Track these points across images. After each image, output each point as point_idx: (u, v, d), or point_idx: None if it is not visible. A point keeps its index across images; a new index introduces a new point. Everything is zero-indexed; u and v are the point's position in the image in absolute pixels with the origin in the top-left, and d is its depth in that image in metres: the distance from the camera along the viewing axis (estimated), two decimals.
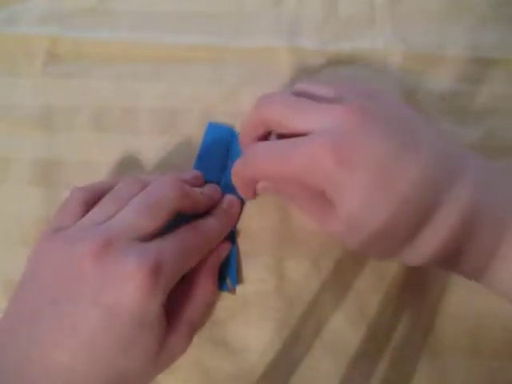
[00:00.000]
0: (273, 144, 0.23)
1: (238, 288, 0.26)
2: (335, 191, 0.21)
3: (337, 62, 0.33)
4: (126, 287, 0.20)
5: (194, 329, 0.23)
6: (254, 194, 0.27)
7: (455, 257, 0.20)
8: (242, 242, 0.27)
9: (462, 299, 0.26)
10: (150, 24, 0.34)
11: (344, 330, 0.25)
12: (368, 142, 0.20)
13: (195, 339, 0.25)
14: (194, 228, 0.24)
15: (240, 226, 0.28)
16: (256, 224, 0.28)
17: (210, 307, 0.25)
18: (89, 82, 0.32)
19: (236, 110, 0.31)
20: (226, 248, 0.26)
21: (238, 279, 0.26)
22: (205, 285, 0.24)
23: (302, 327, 0.26)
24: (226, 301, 0.26)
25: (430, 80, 0.32)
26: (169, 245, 0.22)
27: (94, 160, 0.29)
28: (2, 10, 0.34)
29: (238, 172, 0.25)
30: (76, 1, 0.35)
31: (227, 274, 0.26)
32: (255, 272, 0.27)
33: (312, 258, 0.27)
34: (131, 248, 0.21)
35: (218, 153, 0.29)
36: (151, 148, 0.30)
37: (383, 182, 0.20)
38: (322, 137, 0.20)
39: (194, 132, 0.30)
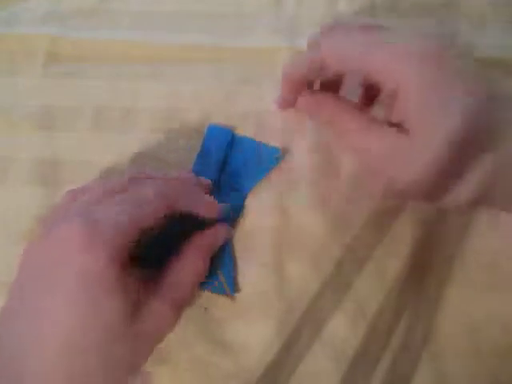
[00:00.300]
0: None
1: (239, 286, 0.26)
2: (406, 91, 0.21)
3: None
4: (70, 252, 0.20)
5: (179, 305, 0.23)
6: (293, 103, 0.26)
7: (494, 191, 0.21)
8: (241, 241, 0.27)
9: (462, 299, 0.26)
10: (149, 24, 0.34)
11: (344, 329, 0.25)
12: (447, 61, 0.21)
13: (195, 338, 0.25)
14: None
15: (240, 225, 0.28)
16: (256, 224, 0.28)
17: (197, 285, 0.24)
18: (89, 82, 0.32)
19: (236, 109, 0.31)
20: (222, 232, 0.26)
21: (235, 285, 0.26)
22: (195, 262, 0.24)
23: (301, 327, 0.26)
24: (226, 300, 0.26)
25: None
26: (109, 206, 0.22)
27: (93, 160, 0.29)
28: (1, 10, 0.34)
29: (304, 58, 0.24)
30: (76, 1, 0.35)
31: (223, 276, 0.26)
32: (255, 272, 0.27)
33: (312, 258, 0.27)
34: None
35: (217, 154, 0.29)
36: (151, 148, 0.30)
37: (447, 95, 0.20)
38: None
39: (194, 132, 0.30)
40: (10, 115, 0.31)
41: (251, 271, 0.27)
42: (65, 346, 0.19)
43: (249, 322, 0.26)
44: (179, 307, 0.23)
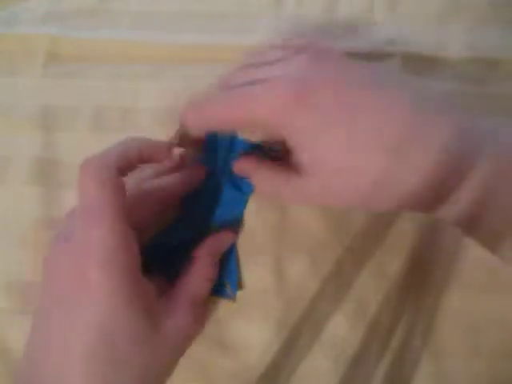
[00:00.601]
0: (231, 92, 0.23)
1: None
2: (289, 140, 0.22)
3: None
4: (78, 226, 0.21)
5: (196, 303, 0.23)
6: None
7: (480, 217, 0.21)
8: (241, 241, 0.27)
9: (462, 300, 0.26)
10: (149, 24, 0.34)
11: (344, 329, 0.25)
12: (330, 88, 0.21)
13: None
14: None
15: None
16: (255, 223, 0.28)
17: (211, 286, 0.24)
18: (88, 82, 0.32)
19: None
20: (230, 236, 0.26)
21: (238, 285, 0.26)
22: (205, 260, 0.24)
23: (301, 327, 0.26)
24: (226, 300, 0.26)
25: (429, 80, 0.32)
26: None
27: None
28: (1, 10, 0.34)
29: (192, 115, 0.24)
30: (76, 1, 0.35)
31: (227, 279, 0.26)
32: (255, 271, 0.27)
33: (311, 258, 0.27)
34: None
35: (219, 158, 0.28)
36: None
37: (332, 129, 0.21)
38: (276, 83, 0.21)
39: None
40: (10, 115, 0.31)
41: (251, 271, 0.27)
42: (90, 354, 0.19)
43: (249, 322, 0.26)
44: (197, 306, 0.23)
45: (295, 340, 0.25)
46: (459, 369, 0.25)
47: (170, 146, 0.25)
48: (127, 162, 0.22)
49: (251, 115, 0.21)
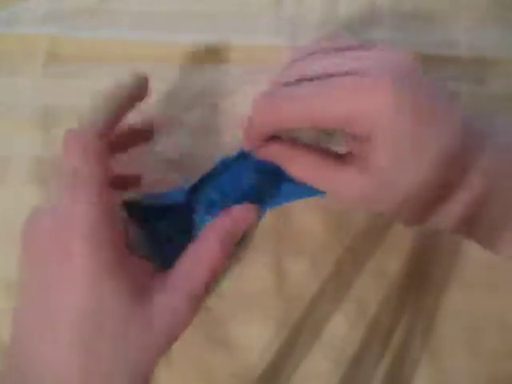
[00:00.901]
0: (312, 83, 0.21)
1: (239, 287, 0.26)
2: (379, 139, 0.19)
3: None
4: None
5: (193, 295, 0.21)
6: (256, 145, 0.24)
7: (475, 221, 0.21)
8: (241, 241, 0.27)
9: (462, 300, 0.26)
10: (150, 23, 0.34)
11: (344, 329, 0.25)
12: (423, 93, 0.20)
13: (195, 338, 0.25)
14: None
15: None
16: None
17: (215, 275, 0.22)
18: (88, 82, 0.32)
19: (236, 109, 0.31)
20: (245, 218, 0.23)
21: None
22: (211, 248, 0.22)
23: (301, 326, 0.26)
24: (226, 299, 0.26)
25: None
26: None
27: None
28: (1, 10, 0.34)
29: (266, 111, 0.22)
30: (76, 1, 0.35)
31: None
32: (255, 271, 0.27)
33: (312, 258, 0.27)
34: None
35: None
36: (151, 147, 0.30)
37: (421, 138, 0.19)
38: (383, 77, 0.19)
39: (194, 131, 0.30)
40: (10, 115, 0.31)
41: (251, 271, 0.27)
42: (76, 333, 0.19)
43: (249, 322, 0.26)
44: (193, 298, 0.21)
45: (295, 340, 0.25)
46: (459, 369, 0.25)
47: (144, 79, 0.24)
48: (111, 123, 0.22)
49: (354, 110, 0.19)
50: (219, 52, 0.33)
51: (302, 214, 0.28)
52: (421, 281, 0.26)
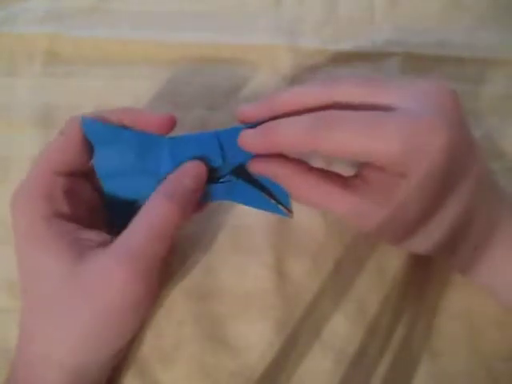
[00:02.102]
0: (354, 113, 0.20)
1: (239, 286, 0.26)
2: (418, 179, 0.19)
3: (337, 61, 0.33)
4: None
5: (131, 251, 0.20)
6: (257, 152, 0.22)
7: (452, 247, 0.22)
8: (241, 240, 0.27)
9: (462, 300, 0.26)
10: (149, 23, 0.34)
11: (344, 329, 0.25)
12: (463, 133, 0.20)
13: (195, 337, 0.25)
14: None
15: (239, 224, 0.28)
16: (256, 223, 0.28)
17: (159, 233, 0.21)
18: (88, 82, 0.32)
19: (236, 108, 0.31)
20: (193, 168, 0.22)
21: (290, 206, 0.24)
22: (153, 204, 0.21)
23: (301, 326, 0.26)
24: (226, 299, 0.26)
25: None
26: None
27: None
28: (1, 10, 0.34)
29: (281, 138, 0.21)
30: (75, 0, 0.35)
31: (277, 196, 0.24)
32: (255, 270, 0.27)
33: (312, 258, 0.27)
34: None
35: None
36: None
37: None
38: (428, 114, 0.19)
39: (194, 131, 0.30)
40: (10, 115, 0.31)
41: (251, 271, 0.27)
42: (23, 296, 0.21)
43: (249, 322, 0.26)
44: (132, 257, 0.20)
45: (295, 340, 0.25)
46: (459, 369, 0.25)
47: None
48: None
49: (406, 145, 0.19)
50: (219, 52, 0.33)
51: (302, 214, 0.28)
52: (421, 280, 0.26)
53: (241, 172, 0.24)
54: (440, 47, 0.33)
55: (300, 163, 0.22)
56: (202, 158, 0.23)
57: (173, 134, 0.30)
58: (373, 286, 0.26)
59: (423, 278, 0.26)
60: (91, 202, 0.24)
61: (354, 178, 0.22)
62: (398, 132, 0.19)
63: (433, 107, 0.20)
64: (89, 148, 0.23)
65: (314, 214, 0.28)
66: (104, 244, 0.21)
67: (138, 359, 0.25)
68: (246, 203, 0.25)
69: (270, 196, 0.24)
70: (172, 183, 0.22)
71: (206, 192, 0.23)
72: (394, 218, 0.21)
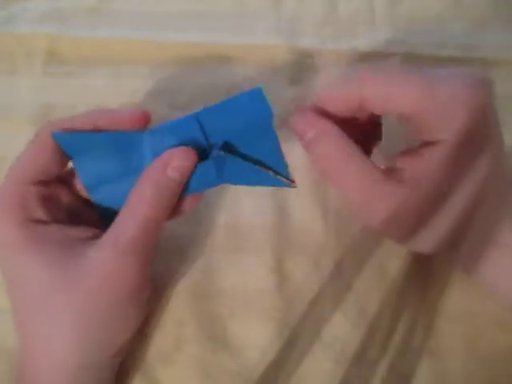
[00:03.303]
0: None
1: (239, 286, 0.26)
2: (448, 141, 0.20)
3: (337, 61, 0.33)
4: None
5: (121, 242, 0.20)
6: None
7: (460, 238, 0.21)
8: (241, 240, 0.27)
9: (462, 300, 0.26)
10: (149, 23, 0.34)
11: (344, 329, 0.25)
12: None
13: (195, 337, 0.25)
14: None
15: (239, 224, 0.28)
16: (256, 223, 0.28)
17: (151, 224, 0.21)
18: (88, 81, 0.32)
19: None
20: (180, 153, 0.21)
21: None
22: (139, 193, 0.21)
23: (301, 327, 0.26)
24: (226, 298, 0.26)
25: None
26: None
27: None
28: (1, 10, 0.34)
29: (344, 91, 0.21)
30: (75, 0, 0.35)
31: (275, 168, 0.22)
32: (255, 270, 0.27)
33: (312, 258, 0.27)
34: None
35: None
36: None
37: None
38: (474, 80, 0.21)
39: None
40: (10, 115, 0.31)
41: (251, 271, 0.27)
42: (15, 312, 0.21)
43: (249, 322, 0.26)
44: (123, 247, 0.20)
45: (295, 340, 0.25)
46: (459, 369, 0.25)
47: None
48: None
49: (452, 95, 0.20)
50: (219, 52, 0.33)
51: (302, 214, 0.28)
52: (421, 281, 0.26)
53: (229, 151, 0.22)
54: (440, 47, 0.33)
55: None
56: (184, 144, 0.22)
57: None
58: (373, 286, 0.26)
59: (423, 278, 0.26)
60: (72, 204, 0.23)
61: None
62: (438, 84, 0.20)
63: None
64: (62, 154, 0.22)
65: (315, 214, 0.28)
66: (93, 238, 0.21)
67: (138, 359, 0.25)
68: (243, 182, 0.23)
69: (267, 169, 0.22)
70: (158, 173, 0.21)
71: (197, 178, 0.22)
72: (407, 203, 0.20)
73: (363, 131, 0.23)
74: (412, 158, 0.21)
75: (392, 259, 0.27)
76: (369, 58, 0.33)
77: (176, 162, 0.21)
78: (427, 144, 0.21)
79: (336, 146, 0.21)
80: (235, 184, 0.23)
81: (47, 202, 0.22)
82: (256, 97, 0.22)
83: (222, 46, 0.33)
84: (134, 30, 0.34)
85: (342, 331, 0.25)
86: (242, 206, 0.28)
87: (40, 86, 0.32)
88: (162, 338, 0.25)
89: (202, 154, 0.22)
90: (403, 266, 0.27)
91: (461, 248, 0.22)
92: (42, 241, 0.20)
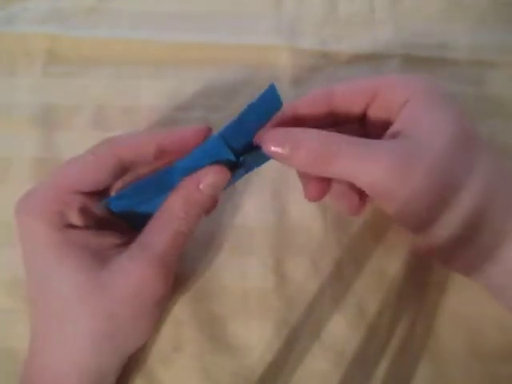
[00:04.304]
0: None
1: (239, 286, 0.26)
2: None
3: (337, 61, 0.33)
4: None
5: (151, 255, 0.20)
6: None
7: (465, 243, 0.21)
8: (241, 240, 0.27)
9: (461, 301, 0.26)
10: (149, 23, 0.34)
11: (343, 330, 0.25)
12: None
13: (195, 337, 0.25)
14: None
15: (239, 224, 0.28)
16: (255, 223, 0.28)
17: (180, 237, 0.21)
18: (88, 82, 0.32)
19: (236, 109, 0.31)
20: (215, 171, 0.22)
21: None
22: (171, 207, 0.21)
23: (301, 327, 0.26)
24: (226, 298, 0.26)
25: None
26: None
27: None
28: (1, 10, 0.34)
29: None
30: (75, 0, 0.35)
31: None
32: (255, 270, 0.27)
33: (312, 258, 0.27)
34: None
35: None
36: None
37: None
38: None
39: None
40: (10, 115, 0.31)
41: (251, 271, 0.27)
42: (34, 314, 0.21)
43: (249, 322, 0.26)
44: (154, 261, 0.20)
45: (295, 340, 0.25)
46: (459, 370, 0.25)
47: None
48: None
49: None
50: (219, 52, 0.33)
51: (301, 214, 0.28)
52: (421, 281, 0.26)
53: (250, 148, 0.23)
54: (440, 49, 0.33)
55: None
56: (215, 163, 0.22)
57: None
58: (372, 286, 0.26)
59: (423, 278, 0.27)
60: (102, 210, 0.23)
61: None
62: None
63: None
64: (113, 175, 0.22)
65: (314, 214, 0.28)
66: (123, 246, 0.21)
67: (138, 360, 0.25)
68: (257, 166, 0.24)
69: None
70: (190, 192, 0.21)
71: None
72: (422, 189, 0.20)
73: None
74: (392, 129, 0.22)
75: (392, 259, 0.27)
76: (369, 60, 0.33)
77: (210, 179, 0.21)
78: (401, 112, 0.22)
79: (316, 146, 0.21)
80: (252, 171, 0.24)
81: (84, 210, 0.22)
82: (270, 95, 0.23)
83: (222, 46, 0.33)
84: (134, 30, 0.34)
85: (341, 331, 0.25)
86: (241, 206, 0.28)
87: (40, 86, 0.32)
88: (162, 338, 0.25)
89: (231, 163, 0.22)
90: (403, 267, 0.27)
91: (471, 248, 0.21)
92: (74, 246, 0.21)
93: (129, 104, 0.31)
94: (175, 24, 0.34)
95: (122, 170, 0.23)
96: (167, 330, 0.26)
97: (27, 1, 0.35)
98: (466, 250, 0.22)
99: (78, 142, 0.30)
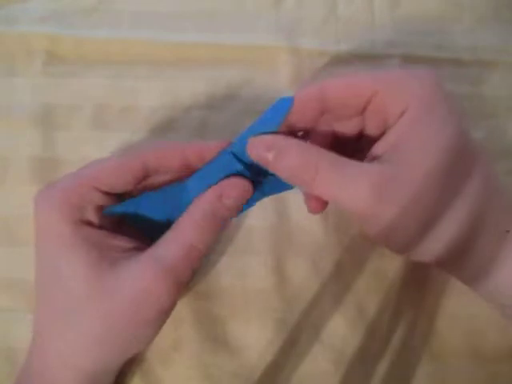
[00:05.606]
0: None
1: (239, 286, 0.26)
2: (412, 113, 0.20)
3: (336, 62, 0.33)
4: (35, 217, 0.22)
5: (163, 266, 0.20)
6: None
7: (459, 258, 0.21)
8: (241, 240, 0.27)
9: (461, 301, 0.26)
10: (149, 23, 0.34)
11: (343, 330, 0.25)
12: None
13: (195, 337, 0.25)
14: None
15: (239, 224, 0.28)
16: (256, 223, 0.28)
17: (194, 252, 0.21)
18: (88, 82, 0.32)
19: (236, 109, 0.31)
20: (236, 185, 0.22)
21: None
22: (188, 221, 0.21)
23: (301, 327, 0.26)
24: (226, 299, 0.26)
25: None
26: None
27: (93, 158, 0.29)
28: (1, 10, 0.34)
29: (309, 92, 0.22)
30: (75, 0, 0.35)
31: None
32: (255, 271, 0.27)
33: (312, 258, 0.27)
34: None
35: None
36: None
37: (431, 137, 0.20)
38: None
39: (193, 131, 0.30)
40: (10, 115, 0.31)
41: (251, 271, 0.27)
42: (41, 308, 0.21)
43: (249, 322, 0.26)
44: (167, 273, 0.20)
45: (295, 340, 0.25)
46: (459, 370, 0.25)
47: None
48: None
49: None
50: (219, 52, 0.33)
51: (301, 214, 0.28)
52: (421, 281, 0.26)
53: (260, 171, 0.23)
54: (440, 49, 0.33)
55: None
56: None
57: (172, 135, 0.30)
58: (372, 287, 0.26)
59: (423, 279, 0.27)
60: (118, 216, 0.23)
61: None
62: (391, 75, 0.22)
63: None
64: (139, 178, 0.22)
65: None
66: (132, 250, 0.21)
67: (137, 359, 0.25)
68: (273, 193, 0.24)
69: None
70: (211, 204, 0.21)
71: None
72: (403, 215, 0.19)
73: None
74: (384, 141, 0.21)
75: (392, 260, 0.27)
76: (368, 59, 0.33)
77: (233, 192, 0.21)
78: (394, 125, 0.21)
79: (302, 154, 0.20)
80: (268, 196, 0.24)
81: (100, 208, 0.22)
82: (280, 107, 0.22)
83: (221, 46, 0.33)
84: (134, 29, 0.34)
85: (341, 331, 0.25)
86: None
87: (40, 86, 0.32)
88: (162, 337, 0.25)
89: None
90: (403, 268, 0.27)
91: (464, 263, 0.21)
92: (86, 241, 0.21)
93: (128, 104, 0.31)
94: (175, 24, 0.34)
95: (145, 176, 0.23)
96: (167, 330, 0.25)
97: (27, 1, 0.35)
98: (452, 272, 0.22)
99: (77, 142, 0.30)
